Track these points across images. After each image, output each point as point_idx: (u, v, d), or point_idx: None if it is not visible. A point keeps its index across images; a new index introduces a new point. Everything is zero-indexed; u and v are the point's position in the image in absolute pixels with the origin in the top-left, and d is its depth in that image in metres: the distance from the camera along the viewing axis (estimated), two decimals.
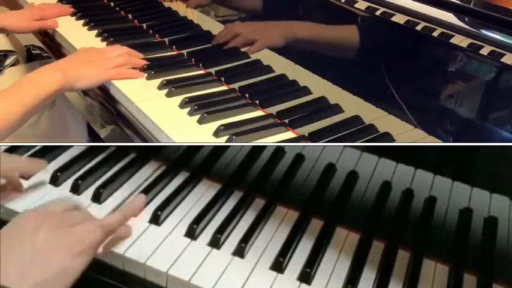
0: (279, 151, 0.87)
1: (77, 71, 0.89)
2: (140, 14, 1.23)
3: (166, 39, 1.12)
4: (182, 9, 1.20)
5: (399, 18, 0.77)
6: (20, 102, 0.82)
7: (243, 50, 1.02)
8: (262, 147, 0.87)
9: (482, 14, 0.70)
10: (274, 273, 0.70)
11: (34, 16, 1.17)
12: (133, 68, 0.97)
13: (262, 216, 0.78)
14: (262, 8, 1.01)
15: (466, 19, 0.71)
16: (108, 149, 0.90)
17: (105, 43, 1.10)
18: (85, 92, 1.04)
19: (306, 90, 0.91)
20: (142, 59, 0.99)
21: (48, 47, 1.24)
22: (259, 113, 0.87)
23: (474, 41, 0.69)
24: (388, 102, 0.80)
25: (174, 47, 1.09)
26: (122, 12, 1.26)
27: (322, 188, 0.83)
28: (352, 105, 0.84)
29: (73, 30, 1.16)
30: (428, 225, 0.78)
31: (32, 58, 1.50)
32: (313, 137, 0.79)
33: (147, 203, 0.79)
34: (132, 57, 0.98)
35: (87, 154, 0.88)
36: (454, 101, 0.74)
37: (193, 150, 0.88)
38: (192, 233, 0.74)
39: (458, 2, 0.73)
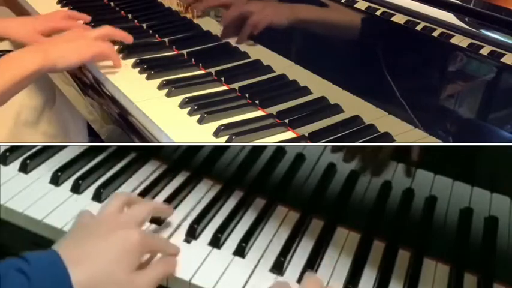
0: (279, 151, 0.87)
1: (58, 51, 0.89)
2: (140, 14, 1.23)
3: (166, 39, 1.12)
4: (182, 10, 1.20)
5: (399, 18, 0.77)
6: None
7: (247, 45, 1.02)
8: (262, 147, 0.87)
9: (482, 14, 0.70)
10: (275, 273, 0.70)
11: (38, 27, 1.08)
12: (118, 43, 1.01)
13: (263, 216, 0.78)
14: None
15: (466, 19, 0.71)
16: (108, 149, 0.90)
17: None
18: (85, 92, 1.04)
19: (306, 90, 0.91)
20: (141, 58, 0.99)
21: None
22: (259, 113, 0.87)
23: (474, 41, 0.69)
24: (388, 102, 0.80)
25: (174, 47, 1.09)
26: (122, 12, 1.26)
27: (323, 188, 0.83)
28: (352, 105, 0.84)
29: None
30: (428, 225, 0.78)
31: None
32: (313, 137, 0.79)
33: None
34: (115, 30, 1.00)
35: (87, 154, 0.88)
36: (454, 101, 0.74)
37: (193, 150, 0.88)
38: (192, 232, 0.74)
39: (458, 2, 0.73)
